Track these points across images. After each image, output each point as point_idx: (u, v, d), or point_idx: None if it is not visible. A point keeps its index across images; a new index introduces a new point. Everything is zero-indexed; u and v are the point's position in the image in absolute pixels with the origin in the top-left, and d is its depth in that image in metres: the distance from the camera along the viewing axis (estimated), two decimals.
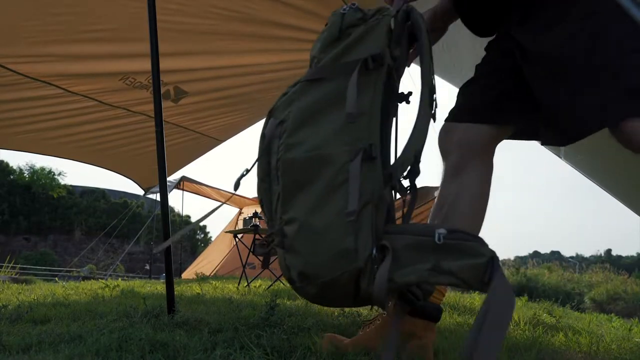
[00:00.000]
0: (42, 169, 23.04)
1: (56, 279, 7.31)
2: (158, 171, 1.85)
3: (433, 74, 1.10)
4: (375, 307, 1.34)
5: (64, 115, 3.68)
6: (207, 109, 4.18)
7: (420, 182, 1.11)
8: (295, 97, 1.07)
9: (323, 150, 0.99)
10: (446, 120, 1.28)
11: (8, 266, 7.16)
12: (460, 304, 2.73)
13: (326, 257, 0.94)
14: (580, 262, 25.95)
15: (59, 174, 23.50)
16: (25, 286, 4.05)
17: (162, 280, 6.54)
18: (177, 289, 3.39)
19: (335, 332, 1.52)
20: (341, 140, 0.98)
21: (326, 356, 1.16)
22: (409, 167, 1.04)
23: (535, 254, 69.67)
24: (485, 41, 1.37)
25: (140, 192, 5.89)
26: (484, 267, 0.86)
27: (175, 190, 9.37)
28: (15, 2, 2.47)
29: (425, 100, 1.05)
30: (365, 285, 0.91)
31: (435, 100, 1.10)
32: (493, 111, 1.20)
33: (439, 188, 1.27)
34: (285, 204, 0.99)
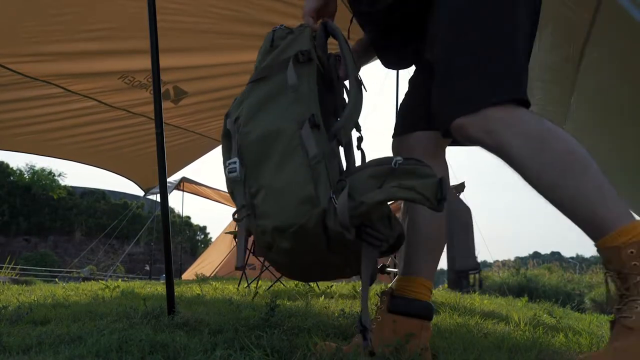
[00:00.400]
0: (42, 170, 23.03)
1: (56, 279, 7.32)
2: (158, 172, 1.84)
3: (354, 61, 1.30)
4: (374, 309, 1.34)
5: (64, 117, 3.69)
6: (207, 110, 4.18)
7: None
8: (245, 97, 1.25)
9: (274, 126, 1.16)
10: (393, 136, 1.39)
11: (8, 267, 7.16)
12: (461, 305, 2.73)
13: (292, 206, 1.05)
14: (580, 263, 25.92)
15: (59, 175, 23.50)
16: (26, 287, 4.05)
17: (162, 281, 6.55)
18: (177, 290, 3.39)
19: (336, 333, 1.53)
20: (288, 117, 1.16)
21: (326, 357, 1.16)
22: (352, 132, 1.24)
23: (536, 254, 69.61)
24: None
25: (140, 193, 5.90)
26: (438, 185, 1.00)
27: (175, 191, 9.38)
28: (15, 2, 2.47)
29: (353, 77, 1.27)
30: (332, 223, 1.02)
31: (361, 79, 1.31)
32: (428, 117, 1.24)
33: None
34: (250, 180, 1.14)
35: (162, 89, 3.52)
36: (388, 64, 1.50)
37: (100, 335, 1.31)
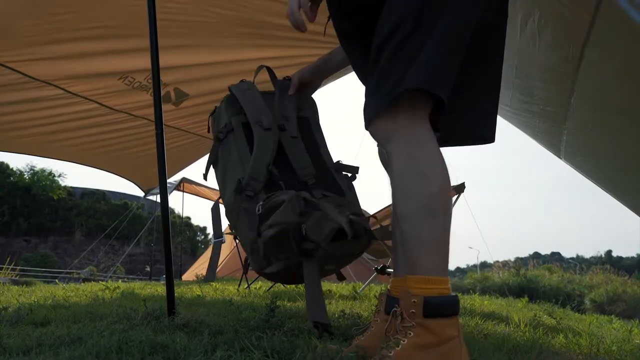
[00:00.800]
0: (43, 170, 23.04)
1: (56, 280, 7.31)
2: (158, 173, 1.84)
3: (279, 107, 1.72)
4: (374, 310, 1.35)
5: (65, 119, 3.68)
6: (207, 111, 4.17)
7: None
8: (213, 156, 1.76)
9: (228, 194, 1.62)
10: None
11: (8, 268, 7.16)
12: (461, 306, 2.73)
13: (246, 241, 1.51)
14: (580, 263, 25.93)
15: (59, 176, 23.51)
16: (26, 288, 4.05)
17: (162, 282, 6.54)
18: (178, 291, 3.39)
19: (336, 334, 1.52)
20: (233, 180, 1.58)
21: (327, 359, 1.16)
22: (265, 178, 1.55)
23: (536, 255, 69.67)
24: None
25: (141, 193, 5.89)
26: (293, 204, 1.42)
27: (175, 192, 9.37)
28: (13, 3, 2.47)
29: (256, 124, 1.64)
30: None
31: (283, 125, 1.67)
32: None
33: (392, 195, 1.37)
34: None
35: (163, 91, 3.53)
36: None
37: (100, 336, 1.31)
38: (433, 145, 1.14)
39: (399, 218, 1.14)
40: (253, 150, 1.58)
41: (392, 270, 3.75)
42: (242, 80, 1.84)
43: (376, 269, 3.91)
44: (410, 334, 1.06)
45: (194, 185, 9.27)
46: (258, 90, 1.75)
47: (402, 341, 1.05)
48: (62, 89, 3.27)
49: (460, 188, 3.24)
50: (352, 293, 3.82)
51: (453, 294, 1.11)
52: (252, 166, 1.54)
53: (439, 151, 1.15)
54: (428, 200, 1.10)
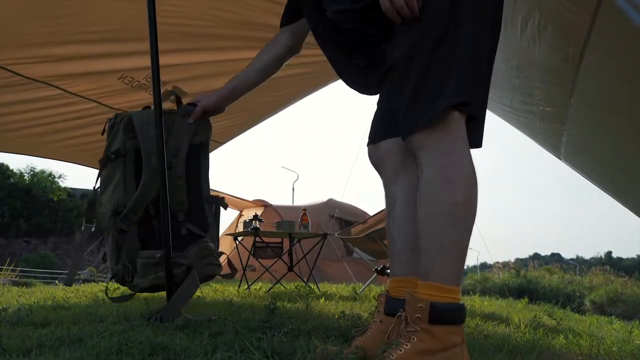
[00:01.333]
0: (43, 172, 23.02)
1: (56, 281, 7.31)
2: (160, 173, 1.84)
3: (174, 137, 1.89)
4: (374, 311, 1.34)
5: (65, 119, 3.68)
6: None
7: None
8: (97, 176, 1.97)
9: (104, 209, 1.89)
10: (368, 144, 1.43)
11: (8, 269, 7.15)
12: None
13: (112, 262, 1.92)
14: (580, 264, 25.90)
15: (59, 177, 23.49)
16: (26, 289, 4.04)
17: None
18: None
19: (336, 335, 1.52)
20: (110, 202, 1.86)
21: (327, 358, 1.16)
22: (142, 213, 1.84)
23: (536, 255, 69.59)
24: None
25: None
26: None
27: None
28: (14, 4, 2.47)
29: (146, 157, 1.86)
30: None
31: (171, 163, 1.86)
32: (396, 128, 1.27)
33: (385, 196, 1.40)
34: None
35: (162, 90, 3.52)
36: (354, 85, 1.54)
37: (100, 337, 1.31)
38: (462, 155, 1.16)
39: (420, 221, 1.16)
40: (139, 186, 1.83)
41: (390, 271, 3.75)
42: (145, 108, 1.99)
43: (376, 269, 3.91)
44: (413, 338, 1.07)
45: None
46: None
47: (405, 345, 1.06)
48: (62, 89, 3.26)
49: None
50: (352, 294, 3.82)
51: (461, 302, 1.12)
52: (134, 202, 1.81)
53: (470, 160, 1.17)
54: (450, 208, 1.12)
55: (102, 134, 2.00)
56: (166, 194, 1.75)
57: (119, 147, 1.86)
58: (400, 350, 1.05)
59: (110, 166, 1.89)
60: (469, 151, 1.18)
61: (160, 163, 1.81)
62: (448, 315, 1.08)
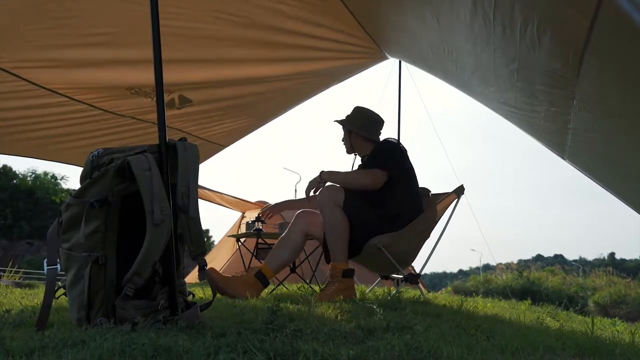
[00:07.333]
0: (45, 174, 23.10)
1: (59, 283, 7.30)
2: (162, 175, 1.83)
3: (183, 175, 1.67)
4: (373, 311, 1.34)
5: (68, 124, 3.69)
6: (210, 115, 4.19)
7: None
8: (65, 209, 1.67)
9: (73, 252, 1.62)
10: None
11: (11, 270, 7.16)
12: (464, 308, 2.73)
13: (74, 320, 1.66)
14: (583, 266, 25.85)
15: (62, 179, 23.59)
16: (29, 291, 4.05)
17: None
18: None
19: (339, 336, 1.52)
20: (83, 248, 1.58)
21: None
22: (149, 273, 1.57)
23: (539, 257, 69.47)
24: (486, 48, 1.38)
25: None
26: None
27: None
28: (18, 7, 2.48)
29: (149, 215, 1.54)
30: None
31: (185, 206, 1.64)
32: None
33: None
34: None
35: (168, 98, 3.54)
36: None
37: (103, 338, 1.31)
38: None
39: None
40: (143, 245, 1.54)
41: (394, 275, 3.80)
42: (143, 153, 1.65)
43: (380, 274, 3.92)
44: (336, 284, 2.71)
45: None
46: (158, 172, 1.62)
47: (332, 287, 2.72)
48: (67, 96, 3.28)
49: (459, 191, 3.23)
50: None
51: (351, 267, 2.78)
52: (139, 263, 1.54)
53: None
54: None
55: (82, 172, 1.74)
56: (169, 195, 1.67)
57: (107, 194, 1.58)
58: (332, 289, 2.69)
59: (89, 211, 1.59)
60: None
61: (163, 164, 1.77)
62: (348, 273, 2.76)
